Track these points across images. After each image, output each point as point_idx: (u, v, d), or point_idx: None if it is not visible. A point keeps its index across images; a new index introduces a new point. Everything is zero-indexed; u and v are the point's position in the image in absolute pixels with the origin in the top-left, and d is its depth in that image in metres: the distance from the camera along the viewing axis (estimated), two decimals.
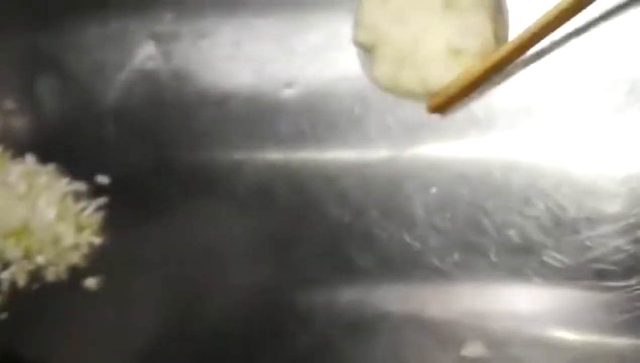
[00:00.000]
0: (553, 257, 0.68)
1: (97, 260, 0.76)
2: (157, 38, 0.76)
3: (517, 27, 0.73)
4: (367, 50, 0.74)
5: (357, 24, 0.74)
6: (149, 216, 0.76)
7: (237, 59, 0.76)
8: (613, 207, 0.68)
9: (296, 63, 0.76)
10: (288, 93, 0.76)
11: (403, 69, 0.72)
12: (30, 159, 0.77)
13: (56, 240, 0.75)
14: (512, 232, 0.70)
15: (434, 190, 0.72)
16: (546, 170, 0.71)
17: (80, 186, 0.77)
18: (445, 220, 0.72)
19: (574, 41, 0.71)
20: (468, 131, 0.73)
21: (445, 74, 0.71)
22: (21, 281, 0.74)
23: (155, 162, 0.73)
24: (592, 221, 0.68)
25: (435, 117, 0.73)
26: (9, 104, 0.79)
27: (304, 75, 0.76)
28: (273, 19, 0.77)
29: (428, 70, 0.71)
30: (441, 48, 0.71)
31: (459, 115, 0.73)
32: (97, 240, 0.76)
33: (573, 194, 0.69)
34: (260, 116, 0.75)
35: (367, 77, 0.75)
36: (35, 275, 0.73)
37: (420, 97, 0.73)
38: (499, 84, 0.72)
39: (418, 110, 0.73)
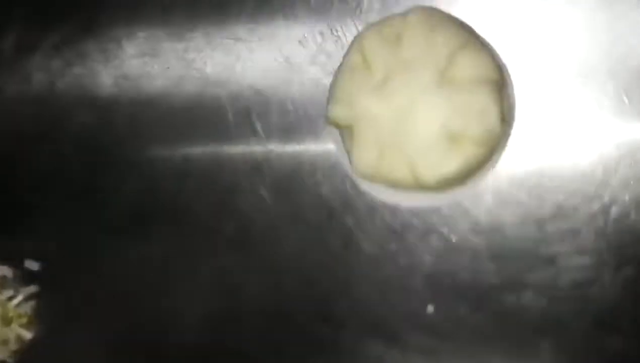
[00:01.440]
0: None
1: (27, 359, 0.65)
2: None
3: (524, 106, 0.60)
4: (343, 130, 0.61)
5: (331, 99, 0.61)
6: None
7: None
8: None
9: None
10: None
11: (388, 154, 0.59)
12: None
13: None
14: None
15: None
16: None
17: (7, 271, 0.66)
18: None
19: None
20: None
21: (441, 163, 0.58)
22: None
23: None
24: None
25: None
26: None
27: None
28: None
29: (419, 158, 0.58)
30: (435, 131, 0.58)
31: None
32: (28, 335, 0.65)
33: None
34: None
35: (342, 161, 0.62)
36: None
37: (410, 187, 0.60)
38: None
39: None
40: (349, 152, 0.60)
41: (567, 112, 0.60)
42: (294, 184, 0.63)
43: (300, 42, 0.64)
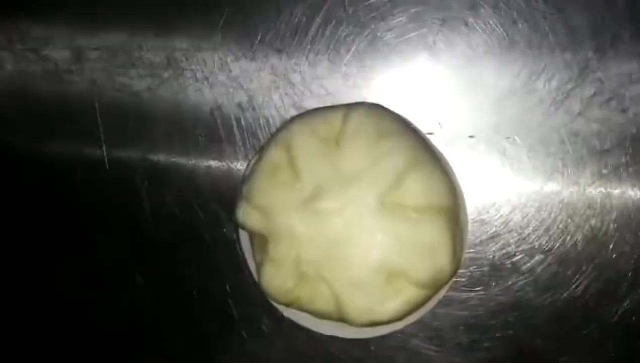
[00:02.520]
0: None
1: None
2: None
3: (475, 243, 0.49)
4: (253, 235, 0.49)
5: (244, 198, 0.48)
6: None
7: None
8: None
9: None
10: None
11: (310, 284, 0.47)
12: None
13: None
14: None
15: None
16: None
17: None
18: None
19: None
20: None
21: (373, 306, 0.46)
22: None
23: None
24: None
25: None
26: None
27: None
28: None
29: (348, 296, 0.46)
30: (371, 266, 0.46)
31: None
32: None
33: None
34: None
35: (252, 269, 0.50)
36: None
37: (333, 319, 0.48)
38: None
39: None
40: (258, 267, 0.48)
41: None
42: None
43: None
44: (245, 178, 0.49)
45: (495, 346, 0.49)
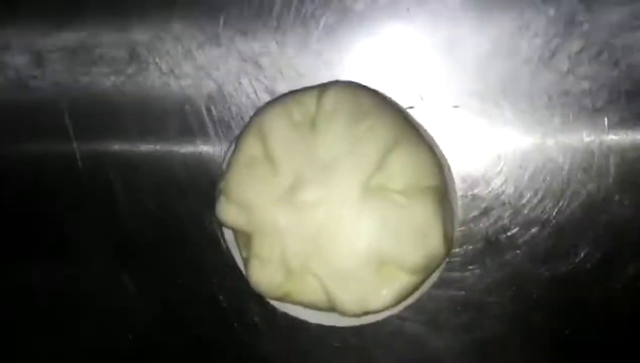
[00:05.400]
0: None
1: None
2: None
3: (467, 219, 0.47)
4: (237, 232, 0.47)
5: (222, 194, 0.46)
6: None
7: None
8: None
9: None
10: None
11: (299, 277, 0.45)
12: None
13: None
14: None
15: None
16: None
17: None
18: None
19: None
20: None
21: (366, 296, 0.44)
22: None
23: None
24: None
25: None
26: None
27: None
28: None
29: (339, 287, 0.44)
30: (360, 255, 0.44)
31: None
32: None
33: None
34: None
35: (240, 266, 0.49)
36: None
37: (325, 310, 0.46)
38: None
39: None
40: (245, 262, 0.46)
41: None
42: None
43: None
44: (223, 171, 0.48)
45: (494, 325, 0.48)
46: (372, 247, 0.44)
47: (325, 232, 0.44)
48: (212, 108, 0.49)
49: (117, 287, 0.50)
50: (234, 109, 0.49)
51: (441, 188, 0.45)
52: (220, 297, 0.50)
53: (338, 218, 0.44)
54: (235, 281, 0.49)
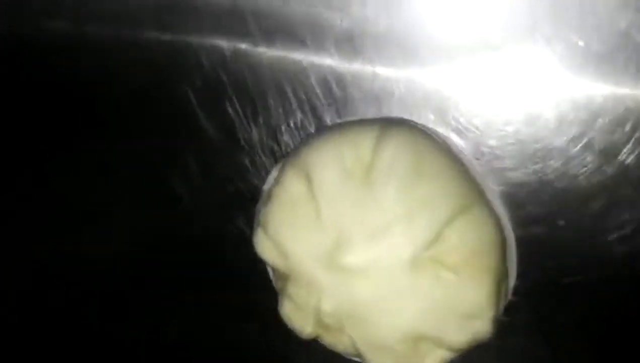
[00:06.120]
0: None
1: None
2: None
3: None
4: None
5: (260, 226, 0.42)
6: None
7: None
8: None
9: None
10: None
11: (332, 332, 0.42)
12: None
13: None
14: None
15: None
16: None
17: None
18: None
19: None
20: None
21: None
22: None
23: None
24: None
25: None
26: None
27: None
28: None
29: (373, 351, 0.41)
30: (400, 331, 0.40)
31: None
32: None
33: None
34: None
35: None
36: None
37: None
38: None
39: None
40: (280, 293, 0.43)
41: None
42: None
43: None
44: (263, 198, 0.43)
45: None
46: (414, 325, 0.40)
47: (366, 302, 0.40)
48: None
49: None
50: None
51: (501, 269, 0.41)
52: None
53: (382, 290, 0.40)
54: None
